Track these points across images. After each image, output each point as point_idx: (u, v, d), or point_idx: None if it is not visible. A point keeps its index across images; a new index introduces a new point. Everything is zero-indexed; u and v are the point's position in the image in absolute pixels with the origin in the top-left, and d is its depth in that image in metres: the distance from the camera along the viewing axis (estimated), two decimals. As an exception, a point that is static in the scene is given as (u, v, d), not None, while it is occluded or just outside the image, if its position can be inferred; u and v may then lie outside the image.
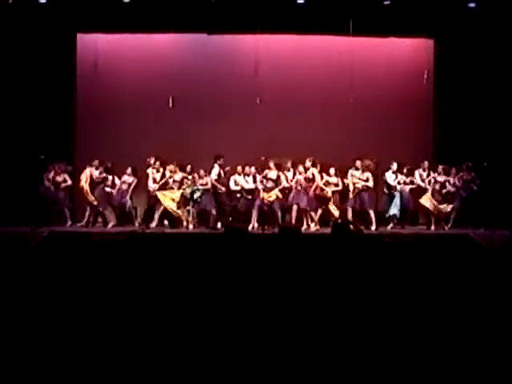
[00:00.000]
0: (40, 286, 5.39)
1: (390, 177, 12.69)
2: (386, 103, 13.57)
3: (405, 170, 12.61)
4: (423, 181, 12.54)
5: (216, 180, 12.51)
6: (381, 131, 13.42)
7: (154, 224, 12.31)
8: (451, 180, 12.48)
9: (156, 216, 12.39)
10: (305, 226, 12.23)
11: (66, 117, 13.47)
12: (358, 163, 12.45)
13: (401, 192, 12.52)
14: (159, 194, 12.35)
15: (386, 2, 12.89)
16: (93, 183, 12.57)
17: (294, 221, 12.26)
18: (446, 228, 12.42)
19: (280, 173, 12.46)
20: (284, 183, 12.44)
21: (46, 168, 12.50)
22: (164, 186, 12.44)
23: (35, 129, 13.05)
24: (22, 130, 13.02)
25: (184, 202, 12.39)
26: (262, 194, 12.30)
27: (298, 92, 13.55)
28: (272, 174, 12.40)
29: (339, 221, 11.60)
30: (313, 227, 12.27)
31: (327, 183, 12.48)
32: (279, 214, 12.37)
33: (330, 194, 12.36)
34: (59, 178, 12.47)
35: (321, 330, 3.91)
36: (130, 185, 12.61)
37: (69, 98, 13.53)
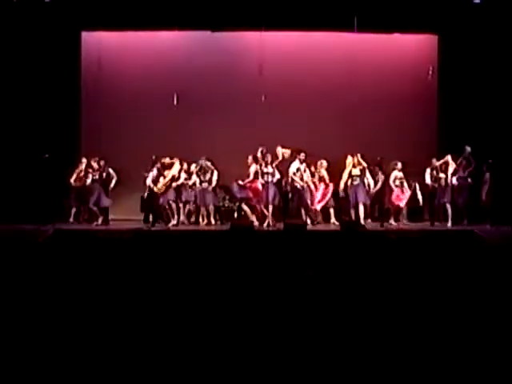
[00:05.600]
0: (46, 282, 5.41)
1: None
2: (391, 99, 13.56)
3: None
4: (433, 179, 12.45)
5: (294, 174, 12.36)
6: (385, 128, 13.42)
7: (174, 222, 12.20)
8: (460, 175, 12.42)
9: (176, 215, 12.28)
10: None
11: (71, 114, 13.51)
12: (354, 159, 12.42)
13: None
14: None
15: (390, -2, 12.89)
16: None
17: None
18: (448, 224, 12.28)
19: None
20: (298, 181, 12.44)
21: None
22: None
23: (40, 126, 13.09)
24: (28, 127, 13.07)
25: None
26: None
27: (302, 89, 13.54)
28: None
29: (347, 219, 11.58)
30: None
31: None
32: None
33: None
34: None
35: (326, 326, 3.92)
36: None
37: (74, 96, 13.57)
